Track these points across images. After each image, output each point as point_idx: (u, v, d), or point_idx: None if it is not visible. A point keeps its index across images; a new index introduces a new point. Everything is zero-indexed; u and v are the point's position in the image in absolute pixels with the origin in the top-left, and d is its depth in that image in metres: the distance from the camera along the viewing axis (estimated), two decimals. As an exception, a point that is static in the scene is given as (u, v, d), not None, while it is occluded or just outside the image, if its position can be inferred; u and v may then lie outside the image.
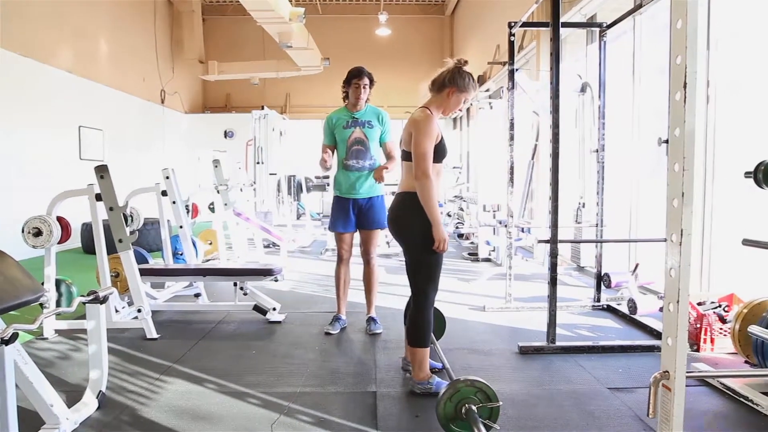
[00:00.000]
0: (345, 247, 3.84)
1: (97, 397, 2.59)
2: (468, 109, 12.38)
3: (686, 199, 1.88)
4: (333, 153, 3.79)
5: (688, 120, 1.87)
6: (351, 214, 3.78)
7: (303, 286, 5.55)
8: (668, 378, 1.97)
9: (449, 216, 10.07)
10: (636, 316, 4.04)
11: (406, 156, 2.70)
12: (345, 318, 3.95)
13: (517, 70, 4.61)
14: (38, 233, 3.58)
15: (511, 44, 4.37)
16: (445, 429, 2.26)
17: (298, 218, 12.00)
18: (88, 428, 2.41)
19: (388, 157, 3.82)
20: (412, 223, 2.63)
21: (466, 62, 2.72)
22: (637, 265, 4.41)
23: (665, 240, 1.91)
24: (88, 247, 7.71)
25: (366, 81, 3.73)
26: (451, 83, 2.68)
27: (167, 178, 4.80)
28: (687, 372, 1.98)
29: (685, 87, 1.86)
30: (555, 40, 3.27)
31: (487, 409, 2.25)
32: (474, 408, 2.22)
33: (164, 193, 4.89)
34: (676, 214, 1.91)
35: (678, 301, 1.92)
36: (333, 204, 3.88)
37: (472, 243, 8.15)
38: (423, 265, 2.66)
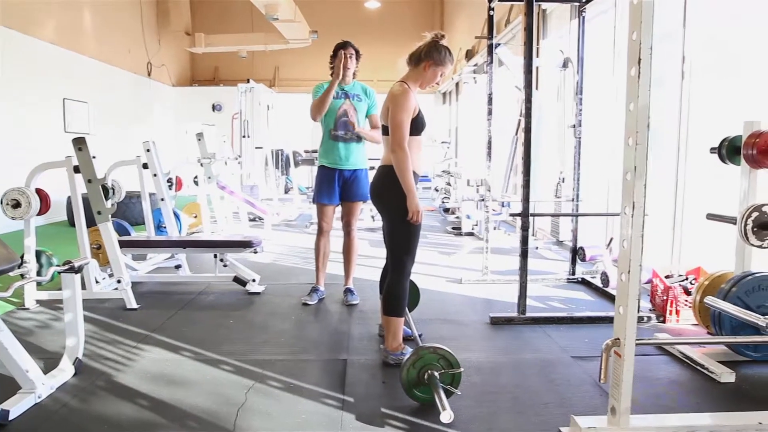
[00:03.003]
0: (326, 219, 3.89)
1: (73, 364, 2.66)
2: (457, 84, 12.34)
3: (638, 173, 1.93)
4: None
5: (641, 95, 1.92)
6: (336, 186, 3.81)
7: (285, 258, 5.62)
8: (619, 345, 2.05)
9: (437, 191, 10.12)
10: (608, 289, 4.14)
11: (386, 130, 2.75)
12: (323, 289, 4.02)
13: (497, 45, 4.62)
14: (17, 205, 3.61)
15: (491, 18, 4.37)
16: (408, 394, 2.35)
17: (286, 192, 12.01)
18: (64, 393, 2.48)
19: (374, 127, 3.86)
20: (391, 195, 2.69)
21: (443, 36, 2.76)
22: (611, 239, 4.49)
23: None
24: (74, 221, 7.72)
25: (352, 51, 3.75)
26: (427, 57, 2.72)
27: (148, 150, 4.81)
28: (637, 339, 2.06)
29: (639, 63, 1.90)
30: (529, 14, 3.29)
31: (448, 375, 2.33)
32: (436, 374, 2.30)
33: (145, 166, 4.91)
34: (629, 188, 1.96)
35: (629, 272, 1.99)
36: (318, 175, 3.90)
37: (457, 217, 8.23)
38: (401, 235, 2.72)
